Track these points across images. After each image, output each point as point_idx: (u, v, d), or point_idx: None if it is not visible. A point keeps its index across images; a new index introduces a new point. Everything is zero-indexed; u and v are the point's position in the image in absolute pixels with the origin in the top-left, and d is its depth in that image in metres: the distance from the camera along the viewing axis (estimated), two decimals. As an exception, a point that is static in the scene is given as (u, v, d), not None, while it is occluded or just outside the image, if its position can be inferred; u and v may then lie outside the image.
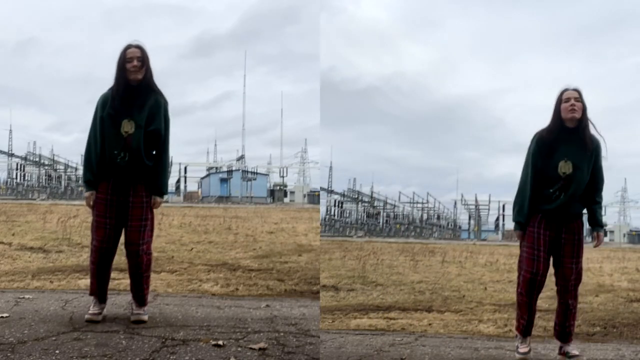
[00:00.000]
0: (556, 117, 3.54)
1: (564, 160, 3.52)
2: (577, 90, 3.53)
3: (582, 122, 3.51)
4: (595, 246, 3.69)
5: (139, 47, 3.78)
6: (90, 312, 3.77)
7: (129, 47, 3.77)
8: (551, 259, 3.62)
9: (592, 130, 3.56)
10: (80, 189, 38.04)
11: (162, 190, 3.94)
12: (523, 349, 3.66)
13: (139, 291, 3.86)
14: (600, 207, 3.70)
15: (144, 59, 3.76)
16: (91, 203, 3.80)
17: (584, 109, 3.50)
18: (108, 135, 3.74)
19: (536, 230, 3.58)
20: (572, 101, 3.48)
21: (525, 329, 3.67)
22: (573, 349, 3.65)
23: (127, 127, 3.74)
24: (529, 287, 3.57)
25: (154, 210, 3.91)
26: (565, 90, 3.55)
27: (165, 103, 3.88)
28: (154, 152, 3.88)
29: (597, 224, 3.66)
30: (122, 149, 3.73)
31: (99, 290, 3.83)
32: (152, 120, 3.78)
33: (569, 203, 3.53)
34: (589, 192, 3.62)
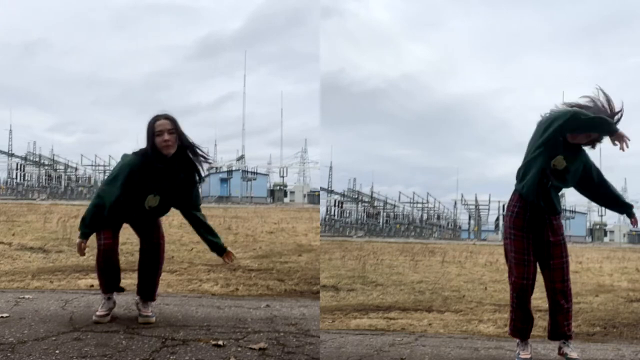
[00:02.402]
0: None
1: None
2: None
3: None
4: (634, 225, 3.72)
5: (167, 117, 3.63)
6: (97, 313, 3.78)
7: (157, 118, 3.62)
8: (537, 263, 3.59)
9: None
10: (80, 189, 38.09)
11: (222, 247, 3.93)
12: (525, 355, 3.60)
13: (150, 285, 3.92)
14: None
15: (175, 130, 3.61)
16: (81, 252, 3.72)
17: None
18: (128, 204, 3.68)
19: (525, 235, 3.54)
20: None
21: (525, 332, 3.62)
22: (572, 350, 3.60)
23: (152, 201, 3.73)
24: (523, 293, 3.53)
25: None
26: None
27: (200, 177, 3.83)
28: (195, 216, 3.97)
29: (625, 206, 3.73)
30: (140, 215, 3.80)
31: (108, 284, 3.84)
32: (182, 197, 3.82)
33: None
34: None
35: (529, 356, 3.60)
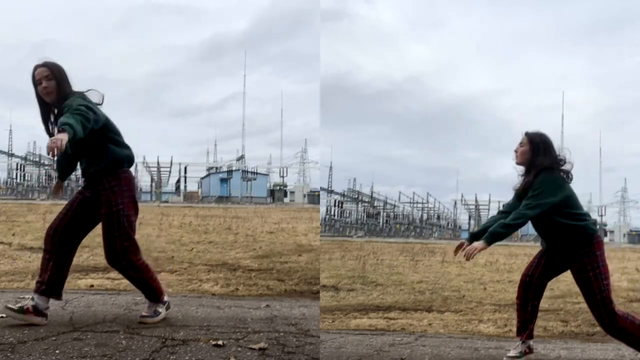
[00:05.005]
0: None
1: None
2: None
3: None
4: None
5: (46, 65, 3.48)
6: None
7: (36, 67, 3.48)
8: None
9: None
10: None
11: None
12: (512, 352, 3.64)
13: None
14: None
15: (53, 76, 3.47)
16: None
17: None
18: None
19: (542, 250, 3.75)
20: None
21: (518, 329, 3.67)
22: None
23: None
24: (522, 288, 3.67)
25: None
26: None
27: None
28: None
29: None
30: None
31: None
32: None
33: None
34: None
35: (513, 354, 3.63)
